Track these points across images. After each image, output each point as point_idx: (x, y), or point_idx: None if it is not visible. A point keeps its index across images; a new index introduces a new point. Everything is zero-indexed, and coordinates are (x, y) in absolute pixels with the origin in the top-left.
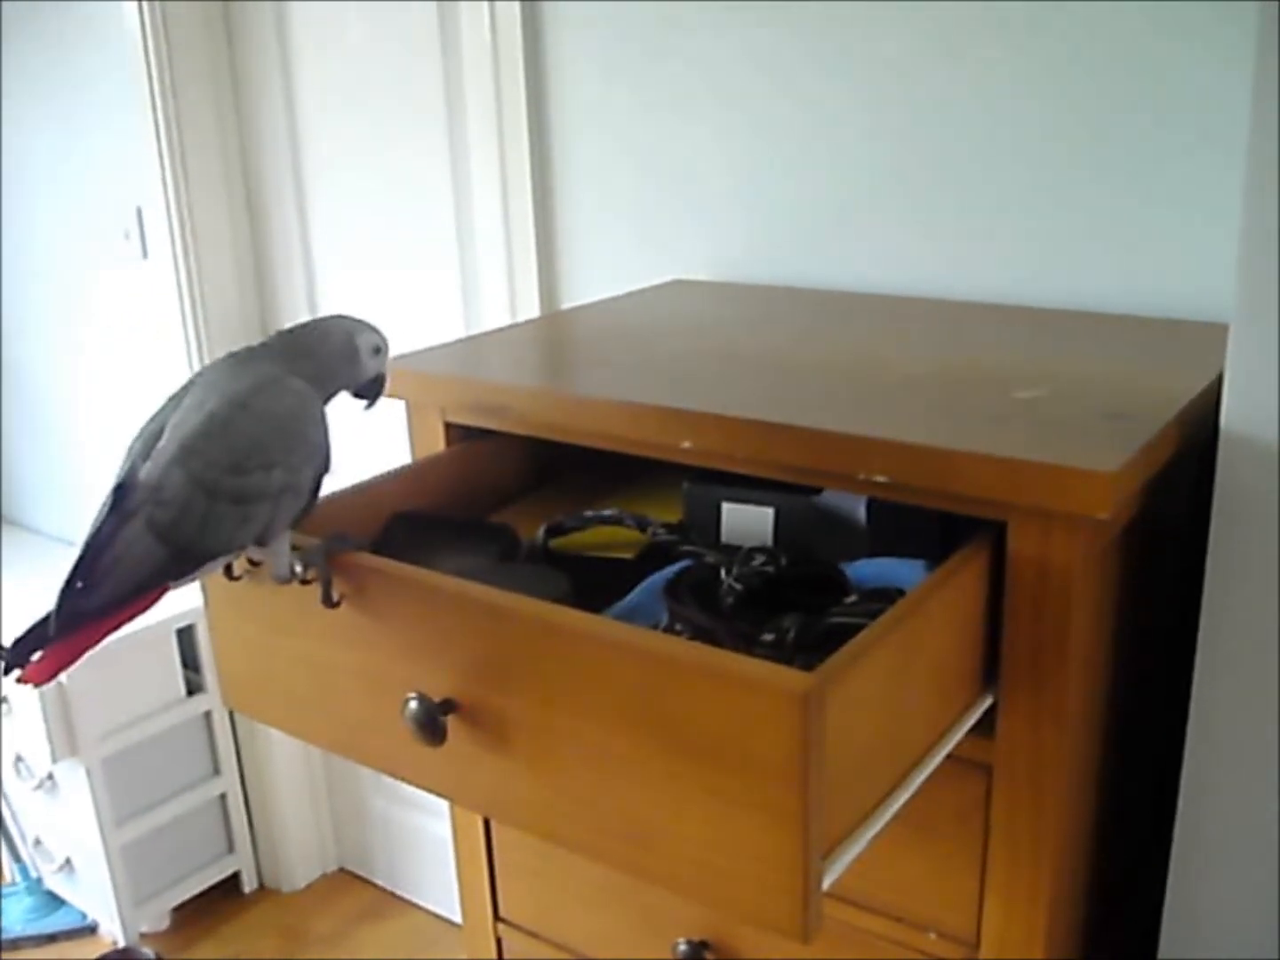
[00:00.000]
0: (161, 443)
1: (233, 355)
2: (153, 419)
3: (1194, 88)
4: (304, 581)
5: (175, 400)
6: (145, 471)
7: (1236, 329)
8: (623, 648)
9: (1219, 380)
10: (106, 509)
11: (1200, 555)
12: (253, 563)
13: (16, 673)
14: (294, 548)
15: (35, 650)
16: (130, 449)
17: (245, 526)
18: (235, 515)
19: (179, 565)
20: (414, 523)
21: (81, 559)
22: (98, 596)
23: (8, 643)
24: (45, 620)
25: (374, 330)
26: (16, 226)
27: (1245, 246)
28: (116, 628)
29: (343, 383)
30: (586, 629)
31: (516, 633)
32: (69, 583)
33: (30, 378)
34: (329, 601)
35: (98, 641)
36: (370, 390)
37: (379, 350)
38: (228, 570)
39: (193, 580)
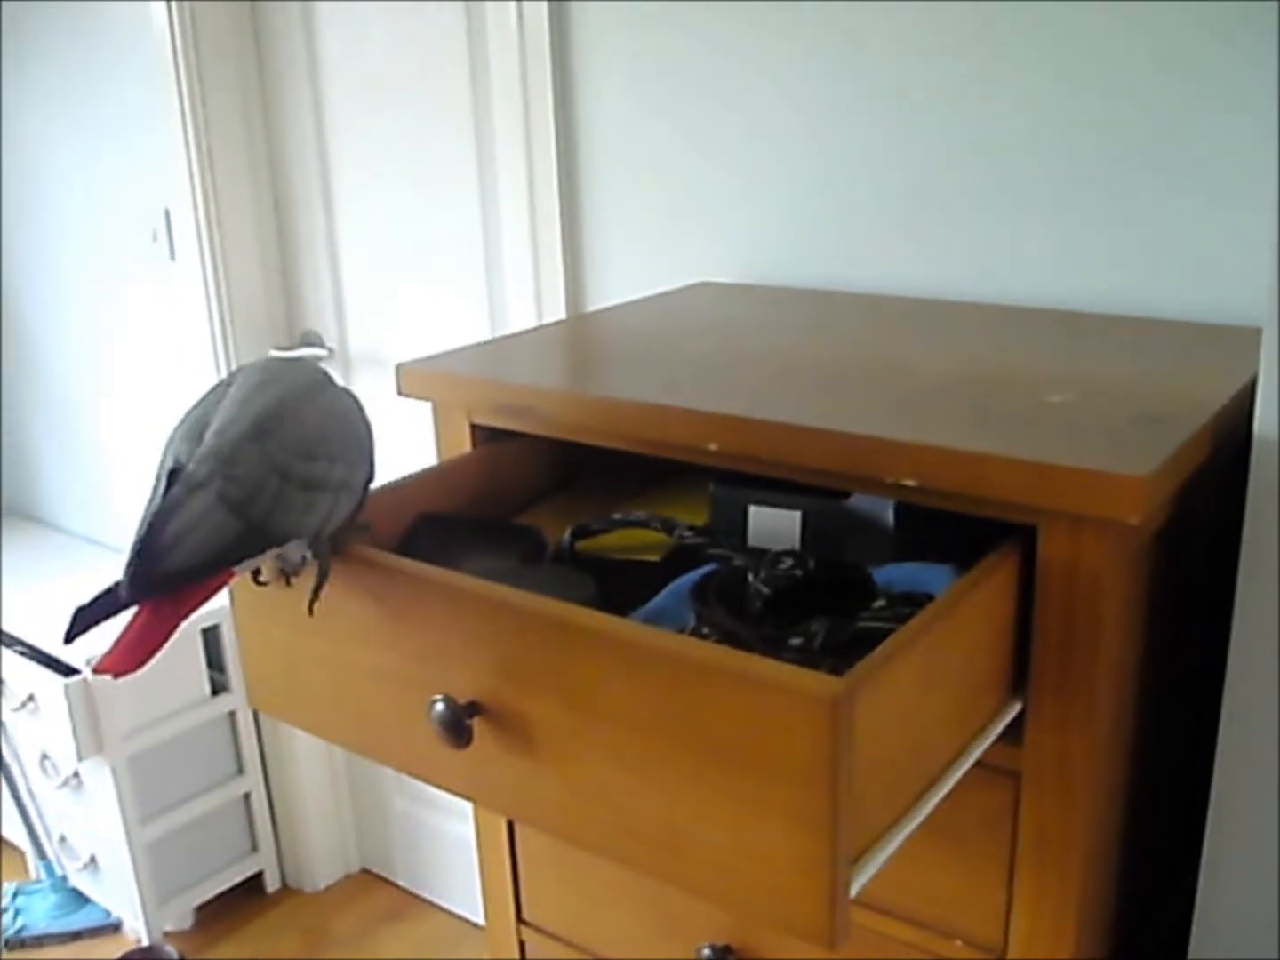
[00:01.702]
0: (222, 420)
1: (279, 358)
2: (195, 407)
3: (1226, 89)
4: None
5: (218, 392)
6: (210, 444)
7: (1269, 332)
8: (649, 651)
9: (1252, 384)
10: (162, 488)
11: (1232, 560)
12: (289, 582)
13: (94, 660)
14: None
15: (100, 621)
16: (172, 438)
17: (309, 514)
18: (301, 501)
19: (249, 543)
20: (440, 524)
21: (147, 531)
22: (169, 562)
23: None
24: (111, 591)
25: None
26: (45, 227)
27: (1278, 249)
28: (190, 609)
29: None
30: (613, 632)
31: (542, 635)
32: (135, 555)
33: (58, 377)
34: (316, 592)
35: (172, 626)
36: None
37: None
38: (255, 574)
39: (248, 567)
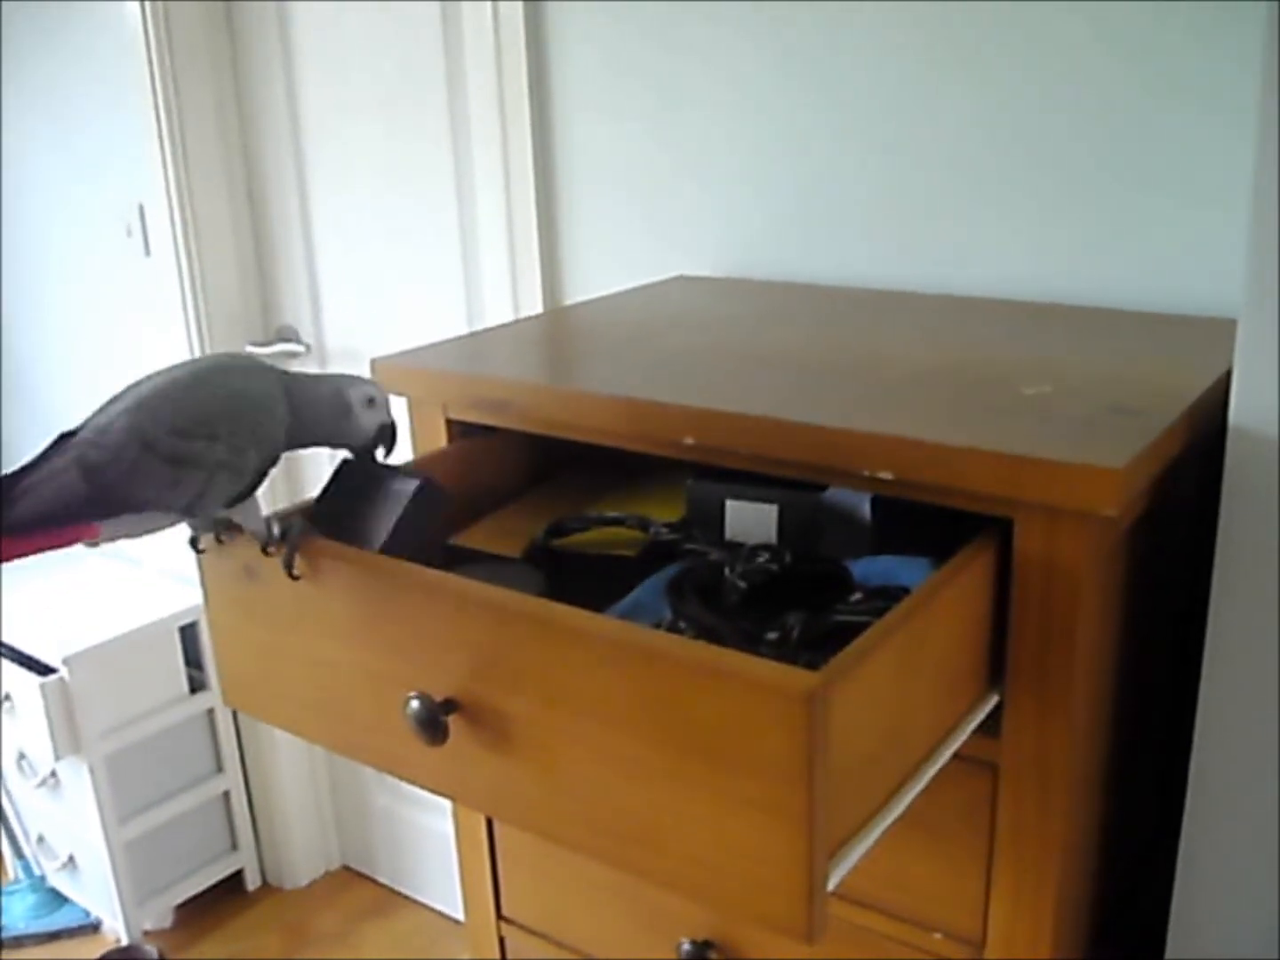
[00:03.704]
0: (127, 397)
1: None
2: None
3: (1200, 81)
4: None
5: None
6: (102, 416)
7: (1245, 323)
8: (625, 646)
9: (1227, 375)
10: (47, 446)
11: (1207, 551)
12: (219, 540)
13: None
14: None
15: None
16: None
17: (175, 489)
18: (165, 475)
19: (97, 506)
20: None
21: (7, 477)
22: (13, 510)
23: None
24: None
25: (368, 383)
26: (19, 223)
27: (1253, 240)
28: (26, 551)
29: (339, 437)
30: (588, 628)
31: (518, 631)
32: None
33: (34, 375)
34: (289, 570)
35: (11, 555)
36: (382, 439)
37: (374, 401)
38: (193, 543)
39: (128, 533)
